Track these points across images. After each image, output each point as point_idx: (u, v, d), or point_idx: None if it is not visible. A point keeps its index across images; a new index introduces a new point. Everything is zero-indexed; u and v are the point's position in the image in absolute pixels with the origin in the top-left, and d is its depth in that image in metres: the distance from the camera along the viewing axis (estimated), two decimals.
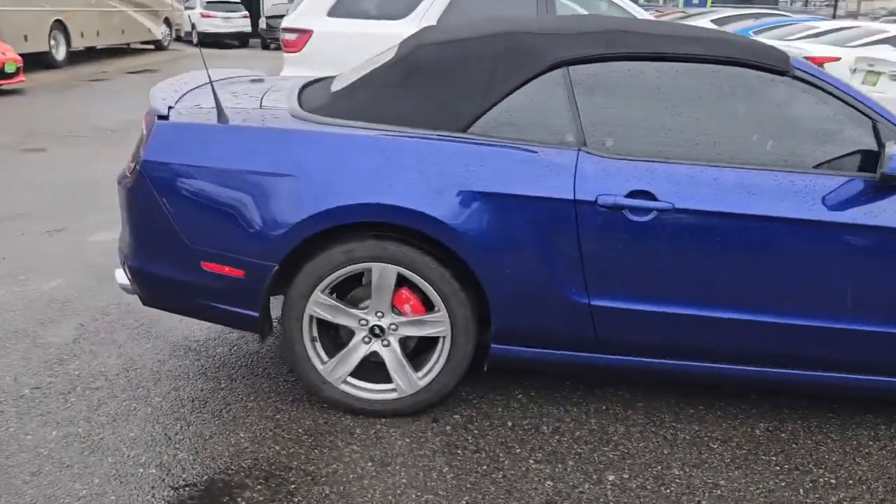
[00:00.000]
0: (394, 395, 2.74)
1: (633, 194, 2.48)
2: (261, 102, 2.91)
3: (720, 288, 2.55)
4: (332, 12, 6.32)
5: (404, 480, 2.42)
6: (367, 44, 6.13)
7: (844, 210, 2.48)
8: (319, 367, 2.73)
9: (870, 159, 2.58)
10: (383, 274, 2.60)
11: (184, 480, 2.38)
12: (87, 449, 2.51)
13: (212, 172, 2.60)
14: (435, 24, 6.08)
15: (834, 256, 2.50)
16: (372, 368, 2.78)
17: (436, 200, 2.49)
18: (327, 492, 2.35)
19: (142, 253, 2.77)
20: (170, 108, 2.71)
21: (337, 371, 2.74)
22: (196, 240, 2.65)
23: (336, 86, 2.93)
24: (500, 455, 2.57)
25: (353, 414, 2.77)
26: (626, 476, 2.48)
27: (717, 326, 2.58)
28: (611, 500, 2.34)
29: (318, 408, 2.81)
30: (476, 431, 2.71)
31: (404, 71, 2.70)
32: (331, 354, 2.76)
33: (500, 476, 2.45)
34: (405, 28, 6.23)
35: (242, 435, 2.63)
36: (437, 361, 2.70)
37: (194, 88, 3.10)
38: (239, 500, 2.30)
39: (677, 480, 2.46)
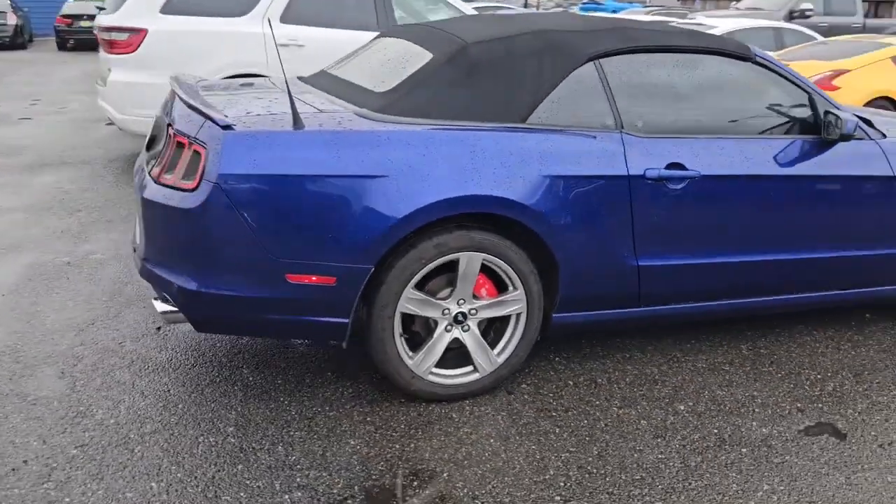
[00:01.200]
0: (475, 376, 2.89)
1: (669, 166, 2.93)
2: (315, 106, 2.86)
3: (732, 237, 3.10)
4: (166, 9, 5.85)
5: (533, 447, 2.63)
6: (209, 42, 5.84)
7: (803, 164, 3.17)
8: (409, 362, 2.78)
9: (808, 124, 3.30)
10: (470, 262, 2.73)
11: (340, 496, 2.34)
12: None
13: (296, 181, 2.52)
14: (278, 20, 6.01)
15: (807, 201, 3.18)
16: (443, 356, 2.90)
17: (518, 187, 2.71)
18: (480, 472, 2.48)
19: (209, 274, 2.57)
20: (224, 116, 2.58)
21: (424, 363, 2.82)
22: (281, 253, 2.55)
23: (373, 86, 2.97)
24: (587, 409, 2.88)
25: (436, 402, 2.88)
26: (690, 403, 2.94)
27: (730, 269, 3.13)
28: (696, 423, 2.79)
29: (397, 403, 2.86)
30: (551, 395, 2.97)
31: (463, 69, 2.84)
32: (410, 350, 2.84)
33: (602, 425, 2.77)
34: (247, 26, 6.02)
35: (354, 442, 2.61)
36: (511, 337, 2.91)
37: (217, 93, 3.03)
38: (411, 500, 2.34)
39: (726, 399, 2.98)
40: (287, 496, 2.32)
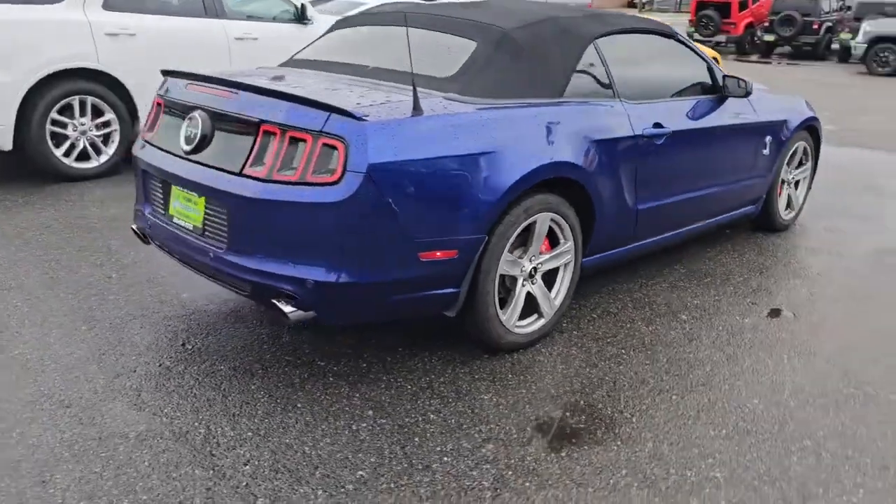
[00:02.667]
0: (542, 322, 3.29)
1: (654, 125, 3.56)
2: (387, 92, 2.96)
3: (687, 179, 3.88)
4: None
5: (613, 364, 3.12)
6: (23, 35, 5.09)
7: (719, 116, 4.08)
8: (503, 318, 3.06)
9: (708, 87, 4.21)
10: (543, 222, 3.12)
11: (525, 437, 2.61)
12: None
13: (428, 163, 2.69)
14: (101, 7, 5.44)
15: (723, 145, 4.10)
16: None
17: (578, 152, 3.18)
18: (590, 392, 2.91)
19: (351, 263, 2.60)
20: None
21: (511, 318, 3.16)
22: (416, 233, 2.68)
23: (430, 72, 3.13)
24: (626, 328, 3.47)
25: (515, 350, 3.22)
26: (684, 318, 3.68)
27: (684, 204, 3.93)
28: (685, 331, 3.55)
29: (484, 359, 3.14)
30: (591, 326, 3.51)
31: (509, 53, 3.16)
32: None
33: (646, 340, 3.38)
34: (65, 13, 5.30)
35: (487, 397, 2.88)
36: (562, 284, 3.36)
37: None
38: (576, 424, 2.70)
39: (700, 303, 3.80)
40: (483, 449, 2.55)
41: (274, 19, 6.77)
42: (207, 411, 2.72)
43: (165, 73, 3.32)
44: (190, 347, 3.20)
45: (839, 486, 2.42)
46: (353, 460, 2.47)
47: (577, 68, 3.40)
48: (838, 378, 3.12)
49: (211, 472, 2.39)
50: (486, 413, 2.76)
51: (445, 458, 2.50)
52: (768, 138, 4.49)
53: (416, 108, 2.74)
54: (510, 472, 2.43)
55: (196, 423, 2.65)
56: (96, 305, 3.58)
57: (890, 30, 15.48)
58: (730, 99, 4.16)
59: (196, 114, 2.93)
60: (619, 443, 2.60)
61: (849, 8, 20.07)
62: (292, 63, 3.68)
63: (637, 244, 3.76)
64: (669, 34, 4.02)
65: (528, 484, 2.37)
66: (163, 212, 3.12)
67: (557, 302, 3.36)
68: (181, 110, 3.09)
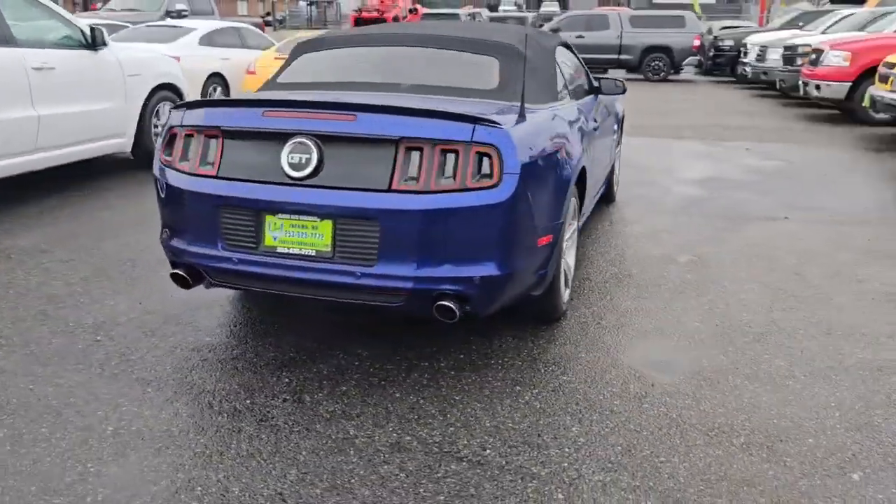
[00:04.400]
0: (569, 290, 3.77)
1: (594, 119, 4.30)
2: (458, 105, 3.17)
3: (595, 154, 4.47)
4: None
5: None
6: None
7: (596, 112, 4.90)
8: (564, 292, 3.53)
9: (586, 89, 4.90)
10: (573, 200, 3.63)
11: (608, 390, 3.09)
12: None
13: (544, 160, 3.07)
14: None
15: (604, 136, 4.88)
16: None
17: (587, 140, 3.71)
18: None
19: (508, 256, 2.85)
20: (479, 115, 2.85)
21: (566, 291, 3.60)
22: (538, 222, 3.02)
23: (472, 84, 3.46)
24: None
25: (560, 319, 3.67)
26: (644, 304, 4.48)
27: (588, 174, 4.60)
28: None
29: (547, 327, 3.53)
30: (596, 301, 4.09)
31: (524, 66, 3.48)
32: None
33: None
34: None
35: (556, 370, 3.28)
36: (572, 253, 3.89)
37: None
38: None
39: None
40: (568, 416, 2.93)
41: (58, 45, 6.05)
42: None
43: (192, 104, 3.15)
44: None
45: None
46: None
47: (557, 74, 3.98)
48: None
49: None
50: (556, 378, 3.23)
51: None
52: (616, 126, 5.62)
53: (521, 116, 3.10)
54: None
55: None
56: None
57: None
58: (600, 96, 5.16)
59: (303, 140, 2.90)
60: None
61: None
62: (301, 86, 3.62)
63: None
64: (569, 45, 4.86)
65: None
66: (252, 245, 3.00)
67: (572, 271, 3.99)
68: (262, 138, 2.97)
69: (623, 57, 18.35)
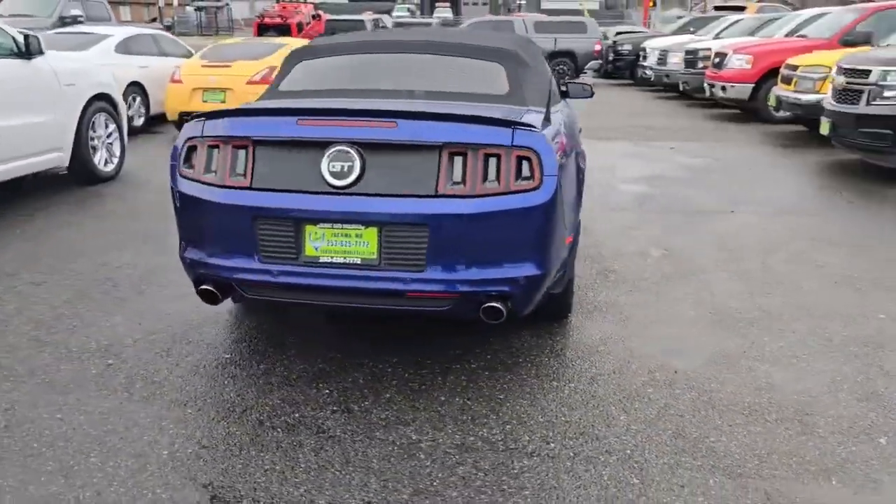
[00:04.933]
0: None
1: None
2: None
3: None
4: None
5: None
6: None
7: None
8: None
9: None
10: None
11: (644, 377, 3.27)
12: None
13: (568, 160, 3.22)
14: None
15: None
16: None
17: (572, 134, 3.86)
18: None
19: (547, 255, 2.95)
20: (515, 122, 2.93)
21: None
22: (566, 220, 3.13)
23: (482, 90, 3.55)
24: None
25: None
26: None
27: None
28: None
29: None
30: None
31: (524, 71, 3.62)
32: None
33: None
34: None
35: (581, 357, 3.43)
36: None
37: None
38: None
39: None
40: (612, 406, 3.09)
41: None
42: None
43: (211, 115, 3.08)
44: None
45: None
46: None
47: (551, 79, 4.11)
48: None
49: None
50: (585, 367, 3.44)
51: None
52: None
53: (547, 119, 3.21)
54: None
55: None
56: None
57: None
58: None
59: (345, 147, 2.89)
60: None
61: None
62: (310, 94, 3.58)
63: None
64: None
65: None
66: (292, 256, 2.96)
67: None
68: (299, 147, 2.93)
69: None
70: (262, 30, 21.54)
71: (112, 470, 2.53)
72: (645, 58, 16.74)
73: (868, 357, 3.41)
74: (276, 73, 4.07)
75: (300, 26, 21.78)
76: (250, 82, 9.09)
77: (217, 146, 3.03)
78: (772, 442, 2.72)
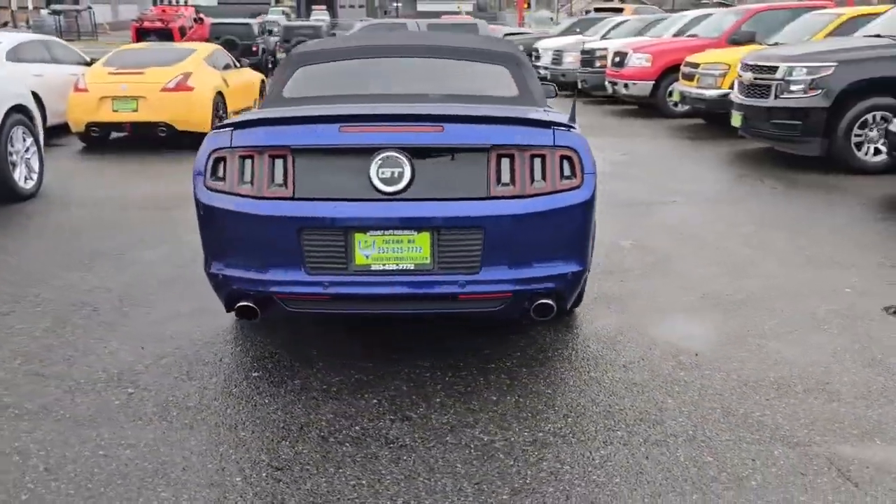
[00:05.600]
0: None
1: None
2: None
3: None
4: None
5: None
6: None
7: None
8: None
9: None
10: None
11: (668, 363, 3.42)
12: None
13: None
14: None
15: None
16: None
17: None
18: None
19: (586, 252, 3.02)
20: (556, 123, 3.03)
21: None
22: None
23: (492, 92, 3.61)
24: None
25: None
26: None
27: None
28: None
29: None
30: None
31: (525, 73, 3.67)
32: None
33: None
34: None
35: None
36: None
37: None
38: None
39: None
40: (657, 391, 3.23)
41: None
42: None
43: (239, 124, 2.95)
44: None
45: None
46: None
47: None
48: None
49: None
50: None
51: None
52: None
53: (573, 119, 3.30)
54: None
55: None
56: None
57: None
58: None
59: (393, 153, 2.84)
60: None
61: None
62: (323, 99, 3.50)
63: None
64: None
65: None
66: (342, 265, 2.88)
67: None
68: (343, 154, 2.89)
69: None
70: (142, 34, 20.43)
71: (189, 503, 2.38)
72: (538, 58, 17.27)
73: (855, 327, 3.72)
74: (273, 78, 3.92)
75: (182, 30, 20.84)
76: (165, 89, 8.66)
77: (251, 156, 2.91)
78: (809, 411, 2.94)
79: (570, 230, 2.99)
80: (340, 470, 2.56)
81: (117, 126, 8.98)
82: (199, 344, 3.54)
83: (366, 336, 3.61)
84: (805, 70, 7.25)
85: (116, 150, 9.12)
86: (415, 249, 2.87)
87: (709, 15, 12.97)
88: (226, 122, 3.03)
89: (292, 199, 2.86)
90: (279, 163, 2.89)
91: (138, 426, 2.83)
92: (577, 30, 18.96)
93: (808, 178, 7.11)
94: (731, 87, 9.21)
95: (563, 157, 2.97)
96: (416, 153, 2.86)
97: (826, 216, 5.81)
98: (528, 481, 2.50)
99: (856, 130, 7.14)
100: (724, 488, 2.45)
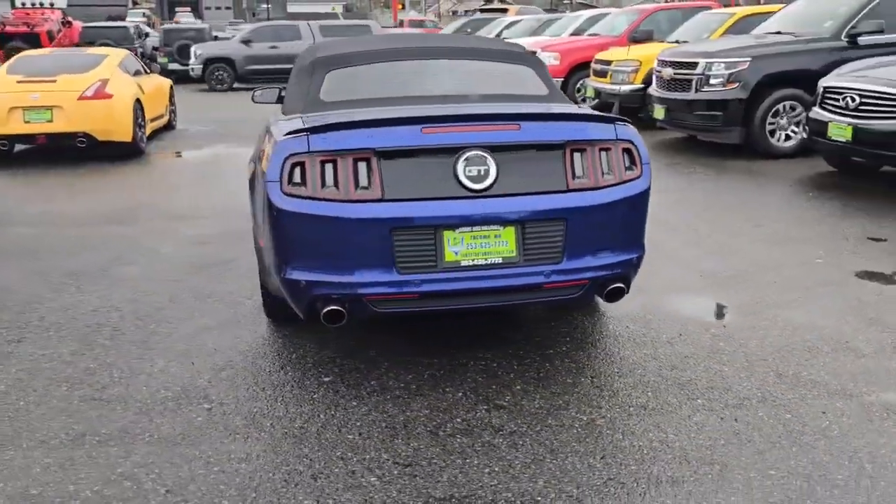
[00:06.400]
0: None
1: None
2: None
3: None
4: None
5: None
6: None
7: None
8: None
9: None
10: None
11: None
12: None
13: None
14: None
15: None
16: None
17: None
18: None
19: (643, 239, 3.25)
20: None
21: None
22: None
23: (524, 91, 3.72)
24: None
25: None
26: None
27: None
28: None
29: None
30: None
31: (548, 74, 3.81)
32: None
33: None
34: None
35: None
36: None
37: None
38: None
39: None
40: (704, 368, 3.54)
41: None
42: None
43: (314, 129, 2.93)
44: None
45: None
46: None
47: None
48: None
49: None
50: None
51: None
52: None
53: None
54: None
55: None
56: None
57: (221, 52, 17.92)
58: None
59: (478, 152, 2.91)
60: None
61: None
62: (368, 102, 3.50)
63: None
64: None
65: None
66: (432, 263, 2.92)
67: None
68: (427, 154, 2.94)
69: None
70: (4, 39, 18.84)
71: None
72: None
73: (844, 292, 4.17)
74: (290, 84, 3.86)
75: (51, 35, 19.41)
76: (83, 98, 8.14)
77: (332, 160, 2.90)
78: (848, 366, 3.29)
79: (634, 218, 3.19)
80: (467, 460, 2.63)
81: (28, 138, 8.35)
82: (250, 355, 3.47)
83: (414, 335, 3.66)
84: (723, 65, 7.88)
85: (27, 163, 8.48)
86: (501, 244, 2.98)
87: (605, 15, 13.70)
88: (298, 128, 2.99)
89: (382, 200, 2.88)
90: (363, 165, 2.90)
91: (237, 440, 2.77)
92: (469, 30, 19.39)
93: (733, 164, 7.74)
94: (644, 83, 9.86)
95: (624, 150, 3.17)
96: (497, 151, 2.97)
97: (765, 198, 6.38)
98: (645, 452, 2.67)
99: (769, 119, 7.86)
100: (815, 439, 2.73)
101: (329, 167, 2.91)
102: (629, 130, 3.21)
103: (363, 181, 2.90)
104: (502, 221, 2.96)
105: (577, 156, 3.07)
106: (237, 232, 5.21)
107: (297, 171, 2.92)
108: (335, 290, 2.93)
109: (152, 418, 2.92)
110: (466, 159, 2.92)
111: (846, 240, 5.10)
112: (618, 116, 3.23)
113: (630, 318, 3.86)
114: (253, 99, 5.12)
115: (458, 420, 2.90)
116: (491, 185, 2.95)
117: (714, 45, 8.55)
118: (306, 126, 2.99)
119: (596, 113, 3.25)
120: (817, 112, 6.66)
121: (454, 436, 2.79)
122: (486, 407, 2.99)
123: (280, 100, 5.04)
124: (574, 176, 3.05)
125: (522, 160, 3.02)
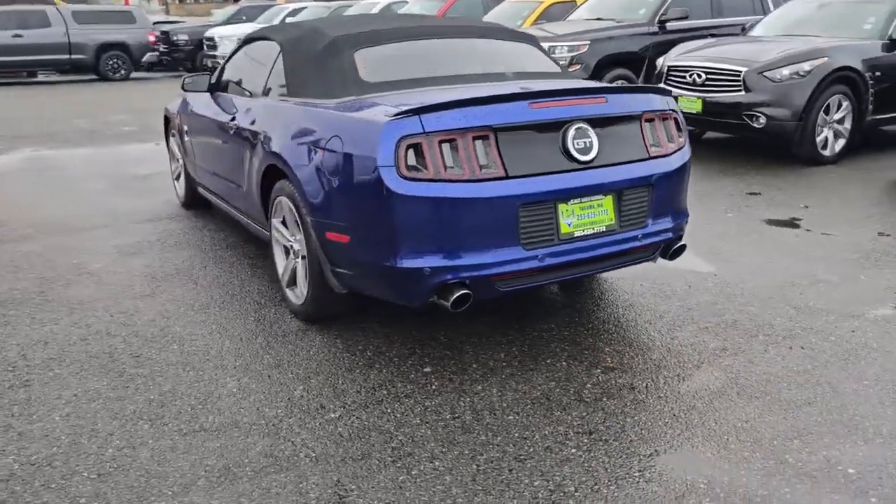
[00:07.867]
0: None
1: None
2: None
3: None
4: None
5: None
6: None
7: None
8: None
9: None
10: None
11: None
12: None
13: None
14: None
15: None
16: None
17: None
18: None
19: (686, 204, 3.51)
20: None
21: None
22: None
23: (545, 67, 3.87)
24: None
25: None
26: None
27: None
28: None
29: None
30: None
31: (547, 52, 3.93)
32: None
33: None
34: None
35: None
36: None
37: None
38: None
39: None
40: (739, 336, 3.99)
41: None
42: None
43: (424, 109, 2.82)
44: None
45: None
46: None
47: None
48: None
49: None
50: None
51: None
52: None
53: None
54: None
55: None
56: None
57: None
58: None
59: (582, 125, 2.98)
60: None
61: None
62: (417, 83, 3.45)
63: None
64: None
65: None
66: (551, 237, 2.94)
67: None
68: (536, 130, 2.98)
69: (76, 57, 16.76)
70: None
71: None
72: (214, 46, 16.56)
73: (771, 238, 4.88)
74: (296, 65, 3.56)
75: None
76: None
77: (451, 140, 2.81)
78: (881, 327, 3.55)
79: (686, 181, 3.51)
80: (600, 427, 2.71)
81: None
82: (315, 360, 3.22)
83: (469, 318, 3.63)
84: (566, 48, 8.57)
85: None
86: (602, 212, 3.11)
87: (404, 3, 13.96)
88: (402, 109, 2.84)
89: (507, 177, 2.86)
90: (480, 144, 2.86)
91: (336, 442, 2.61)
92: (244, 17, 18.54)
93: None
94: None
95: (674, 120, 3.46)
96: (594, 123, 3.09)
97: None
98: (725, 424, 2.98)
99: None
100: (868, 351, 3.26)
101: (449, 147, 2.82)
102: (673, 102, 3.51)
103: (483, 160, 2.86)
104: (605, 190, 3.10)
105: (646, 126, 3.30)
106: None
107: (413, 152, 2.80)
108: (463, 273, 2.86)
109: (297, 440, 2.63)
110: (574, 132, 3.01)
111: (732, 196, 5.92)
112: (663, 89, 3.51)
113: (669, 286, 4.03)
114: (183, 87, 4.68)
115: (589, 385, 2.99)
116: (595, 157, 3.07)
117: (556, 29, 9.24)
118: (412, 107, 2.86)
119: (651, 86, 3.50)
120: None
121: (600, 399, 2.89)
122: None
123: (210, 88, 4.63)
124: (650, 143, 3.27)
125: (612, 132, 3.18)
